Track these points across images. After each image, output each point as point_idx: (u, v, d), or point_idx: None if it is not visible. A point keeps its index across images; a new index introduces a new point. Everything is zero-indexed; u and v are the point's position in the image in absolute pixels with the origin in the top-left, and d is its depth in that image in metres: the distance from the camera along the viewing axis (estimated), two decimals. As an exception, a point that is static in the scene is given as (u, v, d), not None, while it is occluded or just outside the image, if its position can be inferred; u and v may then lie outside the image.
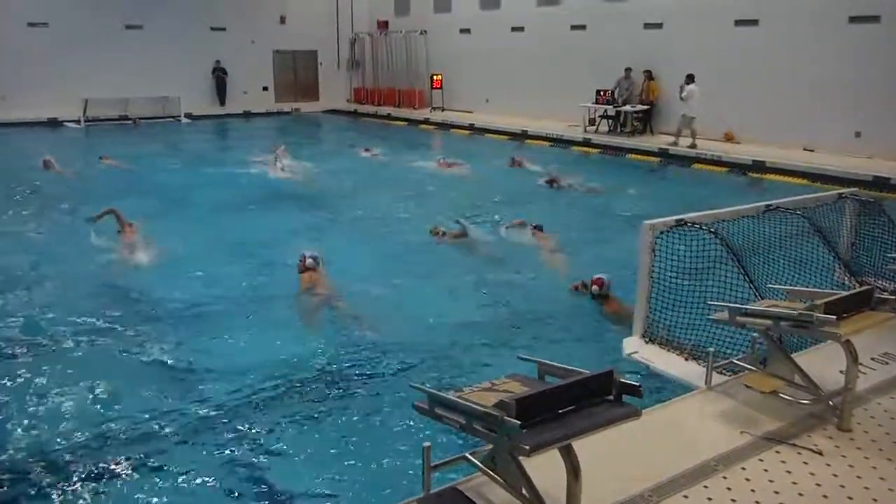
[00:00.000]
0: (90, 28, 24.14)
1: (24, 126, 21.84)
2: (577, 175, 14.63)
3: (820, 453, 4.05)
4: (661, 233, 5.78)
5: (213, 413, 5.35)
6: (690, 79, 17.20)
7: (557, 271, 8.89)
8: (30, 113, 22.50)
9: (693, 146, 17.07)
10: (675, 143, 17.36)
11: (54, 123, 22.91)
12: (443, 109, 25.79)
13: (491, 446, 3.20)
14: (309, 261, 8.18)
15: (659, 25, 19.26)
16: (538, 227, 10.39)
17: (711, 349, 4.91)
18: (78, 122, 23.05)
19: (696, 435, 4.37)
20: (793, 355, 4.67)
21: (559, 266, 9.18)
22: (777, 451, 4.08)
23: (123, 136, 21.87)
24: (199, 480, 4.55)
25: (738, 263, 5.67)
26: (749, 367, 4.78)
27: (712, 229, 5.80)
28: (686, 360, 5.51)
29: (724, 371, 5.04)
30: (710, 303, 5.01)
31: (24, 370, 6.02)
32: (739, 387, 4.70)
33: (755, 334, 4.74)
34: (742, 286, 5.63)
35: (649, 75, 19.13)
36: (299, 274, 8.13)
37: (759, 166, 15.46)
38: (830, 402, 4.41)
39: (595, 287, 7.56)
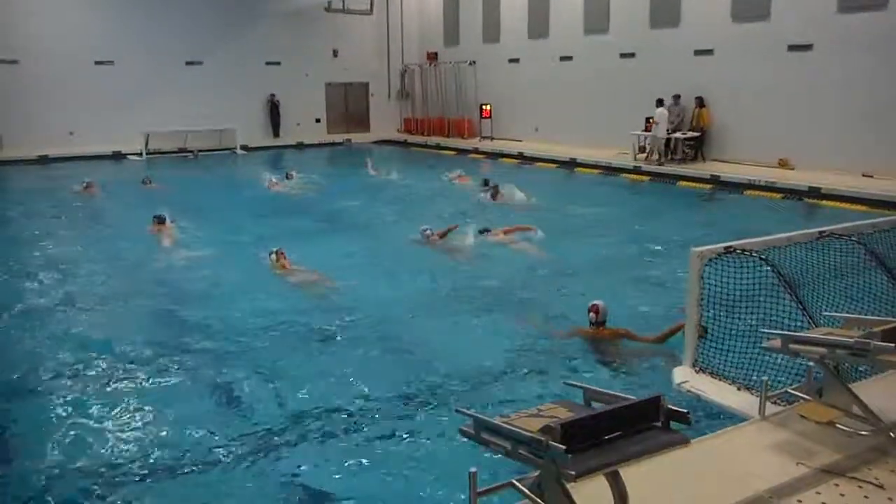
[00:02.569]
0: (153, 65, 25.21)
1: (90, 159, 22.77)
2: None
3: (881, 487, 3.90)
4: (710, 260, 5.69)
5: (261, 437, 5.42)
6: (660, 102, 18.80)
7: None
8: (95, 147, 23.57)
9: (660, 164, 18.83)
10: (658, 162, 18.90)
11: (118, 156, 23.85)
12: (492, 139, 25.97)
13: (537, 472, 3.19)
14: (273, 257, 9.80)
15: (710, 52, 19.09)
16: (486, 230, 11.59)
17: (765, 378, 4.80)
18: (140, 154, 23.97)
19: (750, 466, 4.26)
20: (851, 385, 4.53)
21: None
22: (836, 485, 3.95)
23: (182, 166, 22.74)
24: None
25: (791, 291, 5.54)
26: (805, 396, 4.65)
27: (763, 256, 5.69)
28: (738, 389, 5.39)
29: (778, 401, 4.91)
30: (762, 330, 4.90)
31: (76, 391, 6.24)
32: (795, 417, 4.58)
33: (811, 363, 4.62)
34: (795, 315, 5.49)
35: (700, 102, 18.96)
36: (274, 267, 9.70)
37: (815, 192, 15.09)
38: (891, 434, 4.26)
39: (592, 314, 7.12)
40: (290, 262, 9.85)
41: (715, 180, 17.07)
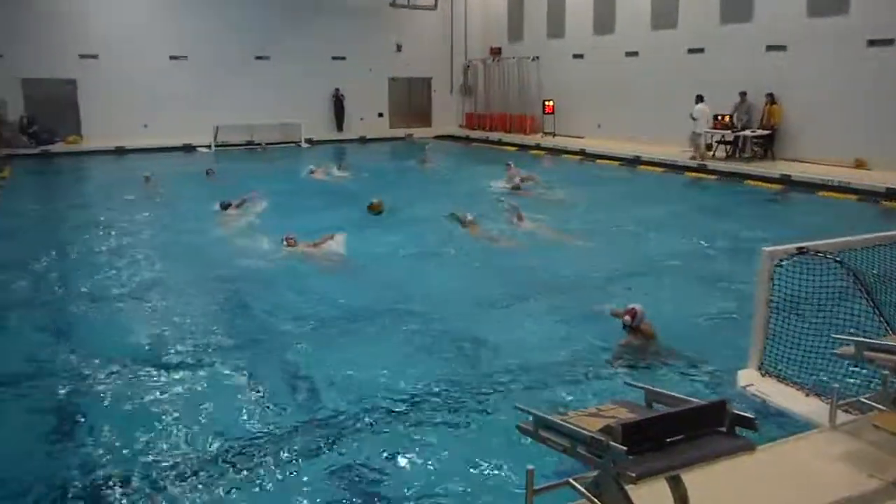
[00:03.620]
0: (224, 60, 25.90)
1: (163, 151, 23.63)
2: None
3: (960, 504, 3.73)
4: (781, 261, 5.51)
5: (318, 426, 5.49)
6: (699, 99, 19.06)
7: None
8: (167, 139, 24.35)
9: (695, 158, 19.06)
10: (695, 158, 19.08)
11: (188, 148, 24.61)
12: (554, 135, 25.75)
13: (596, 472, 3.16)
14: (291, 239, 10.64)
15: (783, 47, 18.46)
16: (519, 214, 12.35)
17: (836, 385, 4.63)
18: (209, 147, 24.67)
19: (818, 476, 4.12)
20: (930, 396, 4.34)
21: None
22: (910, 499, 3.79)
23: (248, 159, 23.33)
24: (301, 491, 4.69)
25: (867, 295, 5.31)
26: (879, 406, 4.46)
27: (837, 258, 5.47)
28: (807, 395, 5.21)
29: (850, 409, 4.73)
30: (834, 336, 4.72)
31: (133, 377, 6.43)
32: (868, 427, 4.40)
33: (886, 372, 4.43)
34: (870, 321, 5.27)
35: (771, 99, 18.37)
36: (286, 247, 10.53)
37: (893, 194, 14.43)
38: (973, 449, 4.05)
39: (627, 318, 6.89)
40: (305, 243, 10.65)
41: (785, 180, 16.51)
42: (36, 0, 23.49)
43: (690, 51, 21.09)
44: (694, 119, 19.04)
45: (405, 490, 4.68)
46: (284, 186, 16.98)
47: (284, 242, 10.63)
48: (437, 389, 6.09)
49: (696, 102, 19.10)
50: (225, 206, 13.31)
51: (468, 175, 19.15)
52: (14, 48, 23.17)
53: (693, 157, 19.14)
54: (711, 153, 19.49)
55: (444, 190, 16.68)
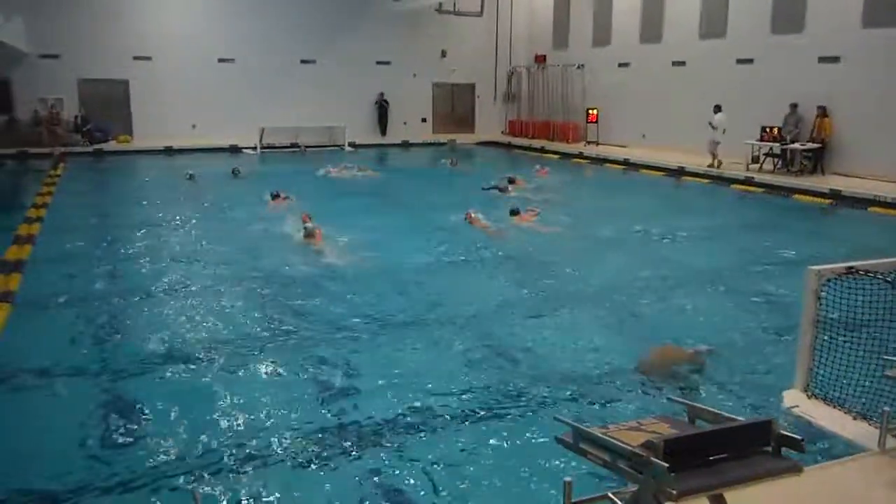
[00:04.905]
0: (270, 63, 26.35)
1: (209, 151, 24.12)
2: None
3: None
4: (828, 280, 5.36)
5: (353, 429, 5.50)
6: (718, 108, 19.46)
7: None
8: (214, 140, 24.87)
9: (713, 165, 19.49)
10: (718, 166, 19.42)
11: (234, 149, 25.04)
12: (597, 144, 25.56)
13: (635, 487, 3.12)
14: (309, 225, 11.43)
15: (836, 59, 18.03)
16: (516, 211, 13.02)
17: (887, 409, 4.49)
18: (254, 148, 25.08)
19: (866, 500, 4.00)
20: None
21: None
22: (963, 530, 3.66)
23: (289, 161, 23.61)
24: (329, 492, 4.71)
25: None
26: (931, 432, 4.33)
27: (889, 279, 5.30)
28: (855, 418, 5.06)
29: (900, 434, 4.58)
30: (885, 357, 4.59)
31: (181, 369, 6.55)
32: (919, 453, 4.27)
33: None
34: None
35: (823, 111, 17.94)
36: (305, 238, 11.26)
37: (950, 212, 13.99)
38: None
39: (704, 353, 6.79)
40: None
41: (835, 194, 16.09)
42: (94, 3, 24.24)
43: (739, 61, 20.75)
44: (713, 128, 19.33)
45: (438, 498, 4.67)
46: (306, 187, 17.26)
47: (304, 229, 11.41)
48: (472, 397, 6.06)
49: (715, 112, 19.43)
50: (274, 196, 14.68)
51: (491, 176, 19.00)
52: (72, 49, 23.93)
53: (711, 165, 19.54)
54: (759, 166, 19.12)
55: (465, 190, 17.14)
